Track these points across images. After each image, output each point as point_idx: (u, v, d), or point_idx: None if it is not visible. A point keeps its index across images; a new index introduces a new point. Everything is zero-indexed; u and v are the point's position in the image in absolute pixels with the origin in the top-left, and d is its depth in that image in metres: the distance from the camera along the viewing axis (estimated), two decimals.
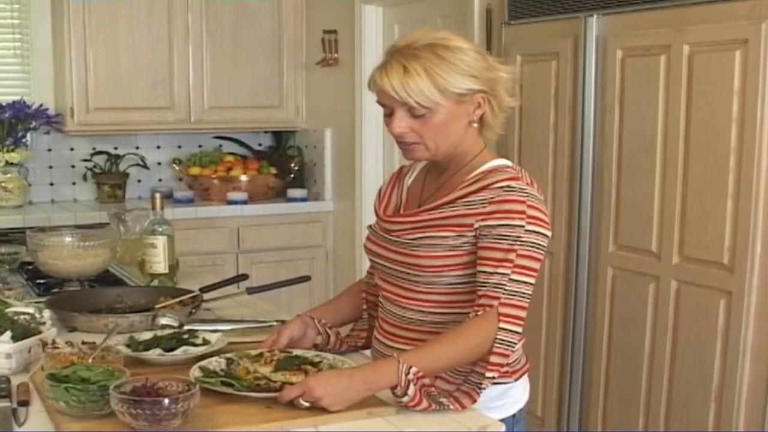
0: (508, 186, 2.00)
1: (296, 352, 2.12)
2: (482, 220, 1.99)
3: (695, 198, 3.22)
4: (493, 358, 1.93)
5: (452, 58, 1.99)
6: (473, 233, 2.01)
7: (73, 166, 5.68)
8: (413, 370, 1.86)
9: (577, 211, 3.71)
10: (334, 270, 5.75)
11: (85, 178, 5.69)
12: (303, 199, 5.76)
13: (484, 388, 1.94)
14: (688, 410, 3.29)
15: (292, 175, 5.87)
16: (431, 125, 2.02)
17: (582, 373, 3.76)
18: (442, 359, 1.94)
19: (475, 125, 2.10)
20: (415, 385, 1.85)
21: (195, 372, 1.99)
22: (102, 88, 5.29)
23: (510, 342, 1.94)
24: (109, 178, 5.62)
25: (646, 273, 3.44)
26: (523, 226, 1.97)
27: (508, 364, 2.04)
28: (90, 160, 5.65)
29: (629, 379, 3.54)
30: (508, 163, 2.12)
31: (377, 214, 2.27)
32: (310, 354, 2.12)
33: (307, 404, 1.81)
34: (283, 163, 5.87)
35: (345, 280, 5.27)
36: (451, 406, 1.92)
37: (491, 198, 2.00)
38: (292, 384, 1.89)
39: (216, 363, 2.06)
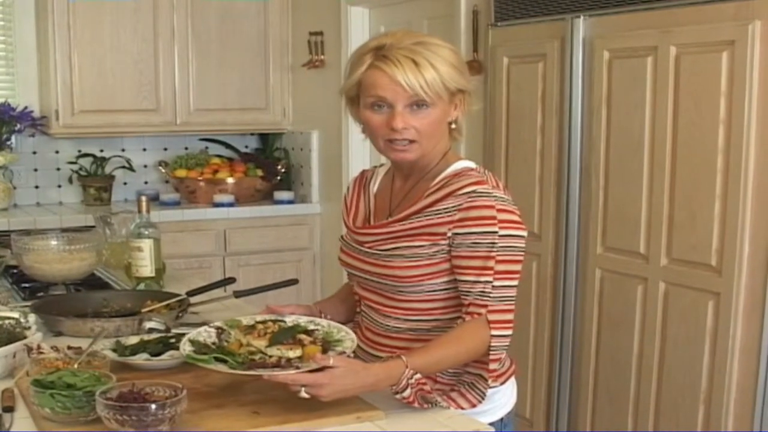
0: (473, 191, 1.99)
1: (289, 319, 2.05)
2: (453, 228, 1.99)
3: (683, 199, 3.22)
4: (492, 365, 1.97)
5: (445, 55, 2.00)
6: (446, 241, 2.00)
7: (58, 169, 5.65)
8: (416, 377, 1.86)
9: (564, 212, 3.70)
10: (321, 272, 5.73)
11: (70, 180, 5.67)
12: (290, 202, 5.75)
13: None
14: (677, 411, 3.29)
15: (278, 178, 5.85)
16: (428, 122, 2.01)
17: (571, 374, 3.75)
18: (442, 364, 1.97)
19: (453, 126, 2.11)
20: (413, 388, 1.85)
21: (186, 347, 1.93)
22: (87, 91, 5.27)
23: (504, 346, 1.98)
24: (95, 180, 5.59)
25: (635, 275, 3.44)
26: (496, 232, 1.96)
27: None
28: (75, 163, 5.61)
29: (618, 380, 3.54)
30: (472, 165, 2.11)
31: (347, 226, 2.26)
32: (304, 320, 2.05)
33: (307, 396, 1.76)
34: (269, 166, 5.85)
35: (332, 283, 5.25)
36: (444, 404, 1.94)
37: (458, 205, 1.99)
38: (289, 359, 1.84)
39: (206, 334, 2.00)
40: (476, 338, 1.95)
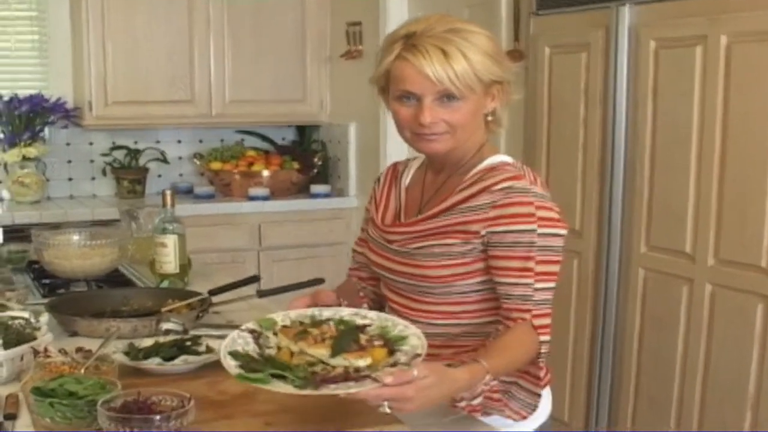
0: (510, 187, 1.87)
1: (328, 313, 1.82)
2: (488, 226, 1.87)
3: (732, 196, 3.08)
4: (541, 373, 1.88)
5: (480, 44, 1.87)
6: (480, 240, 1.89)
7: (92, 161, 5.60)
8: (493, 383, 1.77)
9: (607, 209, 3.58)
10: None
11: (104, 173, 5.61)
12: (326, 195, 5.66)
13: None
14: (723, 418, 3.17)
15: (315, 171, 5.76)
16: (459, 115, 1.89)
17: (611, 377, 3.64)
18: (508, 369, 1.85)
19: (490, 118, 1.99)
20: (484, 396, 1.76)
21: (230, 363, 1.65)
22: (121, 82, 5.20)
23: (547, 352, 1.87)
24: (129, 173, 5.53)
25: (680, 275, 3.31)
26: (534, 231, 1.85)
27: None
28: (109, 155, 5.56)
29: (660, 385, 3.42)
30: (508, 159, 1.99)
31: (374, 223, 2.13)
32: (347, 313, 1.82)
33: (389, 411, 1.59)
34: (305, 158, 5.77)
35: None
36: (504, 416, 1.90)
37: (493, 202, 1.87)
38: (357, 369, 1.60)
39: (242, 342, 1.73)
40: (530, 344, 1.84)
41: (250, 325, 1.80)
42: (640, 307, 3.49)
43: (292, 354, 1.68)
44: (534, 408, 1.91)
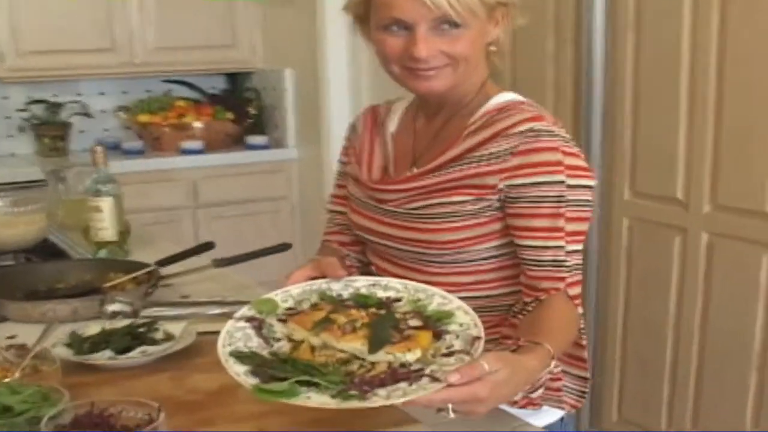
0: (530, 129, 1.57)
1: (337, 287, 1.52)
2: (507, 178, 1.58)
3: (731, 135, 2.87)
4: (585, 353, 1.67)
5: None
6: (497, 195, 1.60)
7: (8, 117, 5.19)
8: (556, 370, 1.56)
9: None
10: (301, 223, 5.35)
11: (22, 129, 5.21)
12: (264, 147, 5.35)
13: None
14: (724, 380, 3.00)
15: (250, 121, 5.44)
16: (461, 45, 1.59)
17: (594, 341, 3.44)
18: (559, 354, 1.55)
19: (493, 48, 1.69)
20: (543, 388, 1.52)
21: (237, 370, 1.30)
22: (35, 29, 4.79)
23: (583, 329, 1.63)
24: (49, 129, 5.14)
25: (671, 224, 3.13)
26: (563, 181, 1.56)
27: None
28: (26, 110, 5.15)
29: (650, 346, 3.26)
30: (520, 97, 1.71)
31: (359, 180, 1.82)
32: (363, 284, 1.53)
33: (453, 416, 1.25)
34: (239, 108, 5.44)
35: (312, 235, 4.84)
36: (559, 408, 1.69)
37: (512, 148, 1.57)
38: (404, 364, 1.30)
39: (242, 336, 1.40)
40: (573, 320, 1.58)
41: (247, 312, 1.46)
42: (626, 261, 3.33)
43: (313, 349, 1.35)
44: (583, 395, 1.68)
